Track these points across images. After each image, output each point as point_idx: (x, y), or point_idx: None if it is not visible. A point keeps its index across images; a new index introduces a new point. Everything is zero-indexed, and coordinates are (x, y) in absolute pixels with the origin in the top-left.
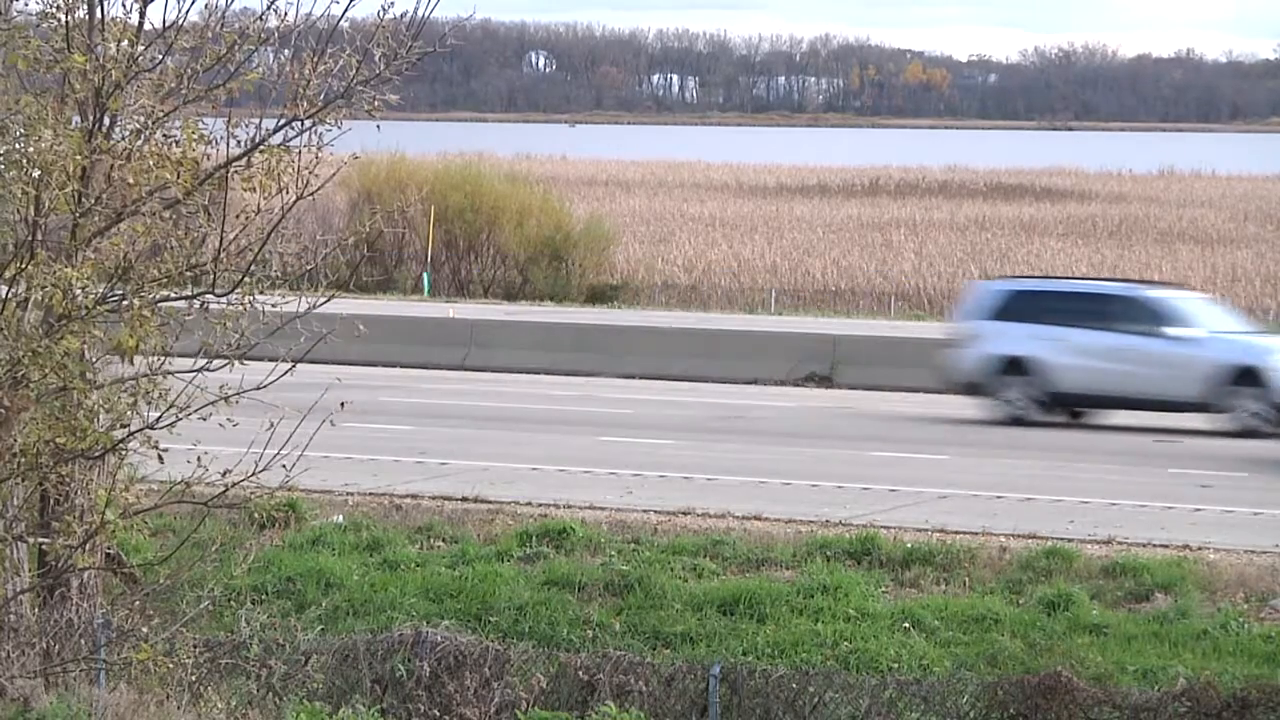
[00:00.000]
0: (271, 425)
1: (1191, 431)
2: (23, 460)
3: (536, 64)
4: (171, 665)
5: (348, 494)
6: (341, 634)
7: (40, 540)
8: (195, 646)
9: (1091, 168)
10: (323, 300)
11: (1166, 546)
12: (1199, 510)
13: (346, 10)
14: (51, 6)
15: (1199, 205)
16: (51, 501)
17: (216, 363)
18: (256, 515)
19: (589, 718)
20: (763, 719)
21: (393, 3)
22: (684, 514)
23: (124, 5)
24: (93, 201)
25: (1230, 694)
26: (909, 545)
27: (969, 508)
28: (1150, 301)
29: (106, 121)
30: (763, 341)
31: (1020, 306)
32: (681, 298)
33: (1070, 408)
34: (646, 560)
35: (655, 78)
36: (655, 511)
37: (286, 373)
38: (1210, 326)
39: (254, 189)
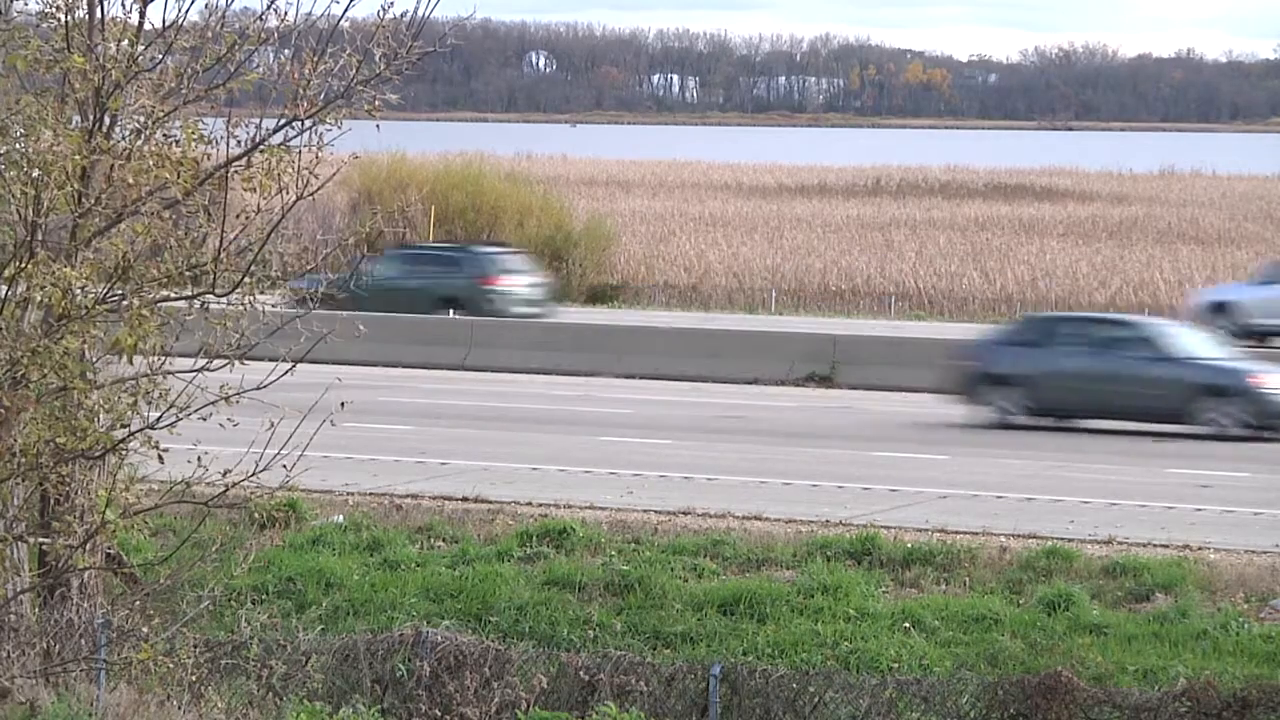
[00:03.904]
0: (272, 425)
1: (1192, 431)
2: (23, 460)
3: (537, 64)
4: (172, 665)
5: (348, 494)
6: (342, 634)
7: (40, 540)
8: (195, 646)
9: (1092, 168)
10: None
11: (1166, 546)
12: (1199, 510)
13: (346, 10)
14: (51, 6)
15: (1199, 205)
16: (51, 501)
17: (216, 363)
18: (256, 515)
19: (589, 718)
20: (763, 719)
21: (393, 3)
22: (684, 514)
23: (124, 5)
24: (93, 201)
25: (1230, 694)
26: (909, 545)
27: (969, 508)
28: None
29: (106, 121)
30: (763, 341)
31: None
32: (682, 298)
33: None
34: (647, 560)
35: (655, 78)
36: (655, 511)
37: (286, 373)
38: None
39: (254, 189)
